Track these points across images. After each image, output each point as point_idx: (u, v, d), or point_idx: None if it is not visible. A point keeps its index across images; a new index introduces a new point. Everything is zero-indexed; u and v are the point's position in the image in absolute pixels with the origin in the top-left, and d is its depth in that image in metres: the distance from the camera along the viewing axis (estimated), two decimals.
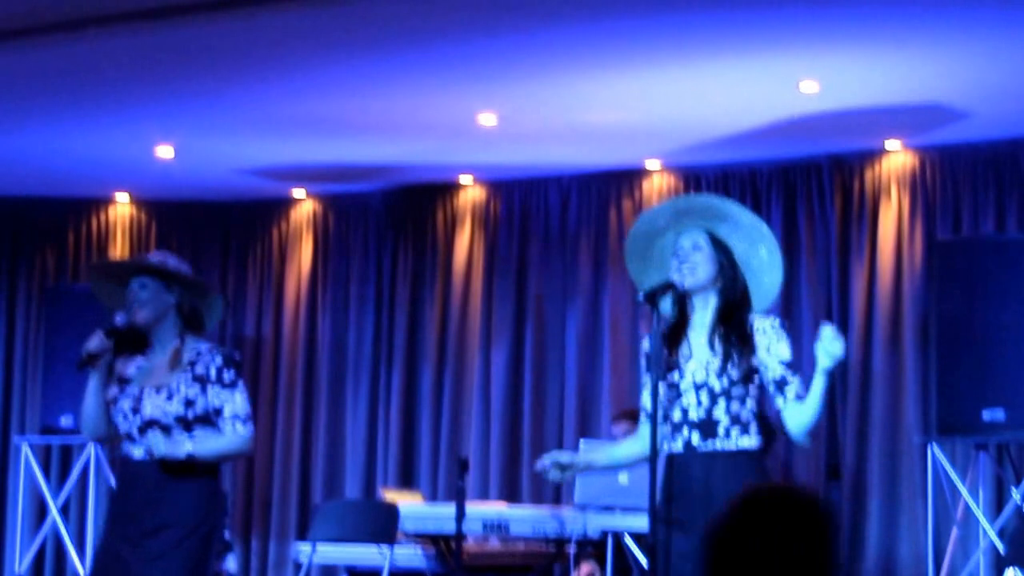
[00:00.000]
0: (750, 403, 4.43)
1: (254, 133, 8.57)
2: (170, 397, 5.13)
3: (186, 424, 5.11)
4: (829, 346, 4.31)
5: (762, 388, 4.47)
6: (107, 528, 5.21)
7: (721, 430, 4.40)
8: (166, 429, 5.11)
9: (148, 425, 5.12)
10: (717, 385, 4.40)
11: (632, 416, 7.58)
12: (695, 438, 4.41)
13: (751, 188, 8.91)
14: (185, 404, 5.12)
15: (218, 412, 5.12)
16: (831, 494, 8.55)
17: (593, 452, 4.64)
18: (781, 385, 4.44)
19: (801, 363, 8.45)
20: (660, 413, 4.45)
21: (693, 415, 4.42)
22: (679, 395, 4.43)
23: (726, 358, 4.41)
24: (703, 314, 4.51)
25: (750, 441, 4.42)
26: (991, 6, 6.50)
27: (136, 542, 5.07)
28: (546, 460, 4.60)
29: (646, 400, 4.54)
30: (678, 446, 4.43)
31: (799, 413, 4.42)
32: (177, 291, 5.24)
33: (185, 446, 5.04)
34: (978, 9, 6.52)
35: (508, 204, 9.54)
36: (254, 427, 5.19)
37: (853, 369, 8.48)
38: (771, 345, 4.46)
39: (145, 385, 5.18)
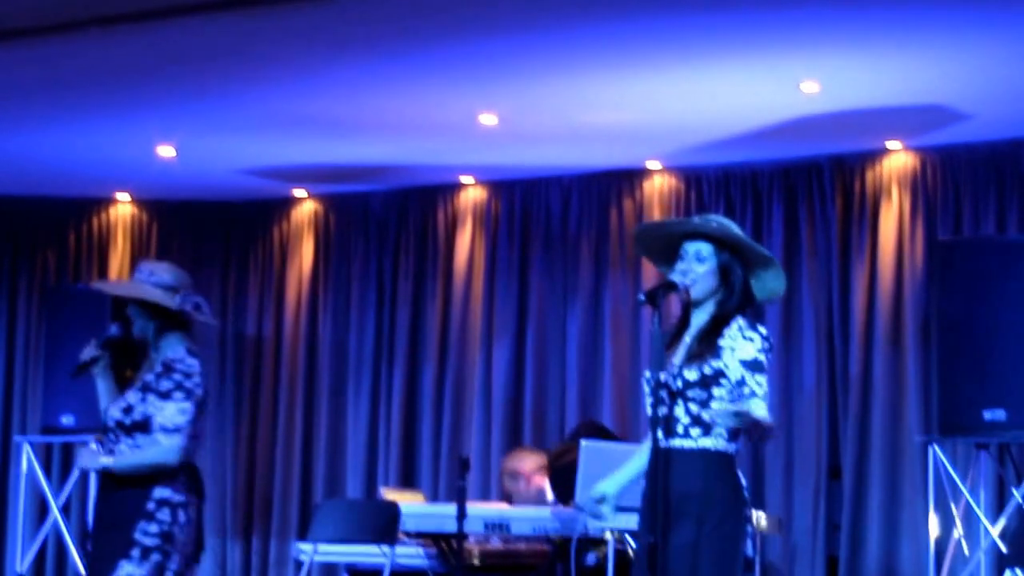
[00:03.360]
0: (717, 405, 4.42)
1: (255, 133, 8.57)
2: (119, 403, 5.34)
3: (126, 430, 5.28)
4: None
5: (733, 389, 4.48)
6: None
7: (680, 428, 4.43)
8: (114, 434, 5.30)
9: (110, 430, 5.34)
10: (672, 385, 4.42)
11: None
12: (659, 435, 4.44)
13: (752, 189, 8.91)
14: (123, 411, 5.30)
15: (151, 420, 5.28)
16: (832, 494, 8.55)
17: (617, 473, 4.68)
18: (739, 385, 4.45)
19: (802, 362, 8.55)
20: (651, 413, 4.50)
21: (658, 413, 4.45)
22: (650, 394, 4.49)
23: (686, 360, 4.45)
24: (700, 319, 4.55)
25: (714, 442, 4.44)
26: (992, 7, 6.50)
27: (93, 539, 5.35)
28: (587, 509, 4.62)
29: None
30: (650, 444, 4.49)
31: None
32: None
33: (100, 459, 5.26)
34: (979, 10, 6.52)
35: (509, 204, 9.54)
36: (184, 438, 5.26)
37: (854, 369, 8.48)
38: (735, 346, 4.46)
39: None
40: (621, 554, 6.72)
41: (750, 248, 4.53)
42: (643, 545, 4.43)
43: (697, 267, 4.50)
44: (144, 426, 5.25)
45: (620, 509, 4.71)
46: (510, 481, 7.78)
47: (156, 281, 5.37)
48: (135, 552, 5.19)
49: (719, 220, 4.59)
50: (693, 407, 4.43)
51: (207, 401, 5.42)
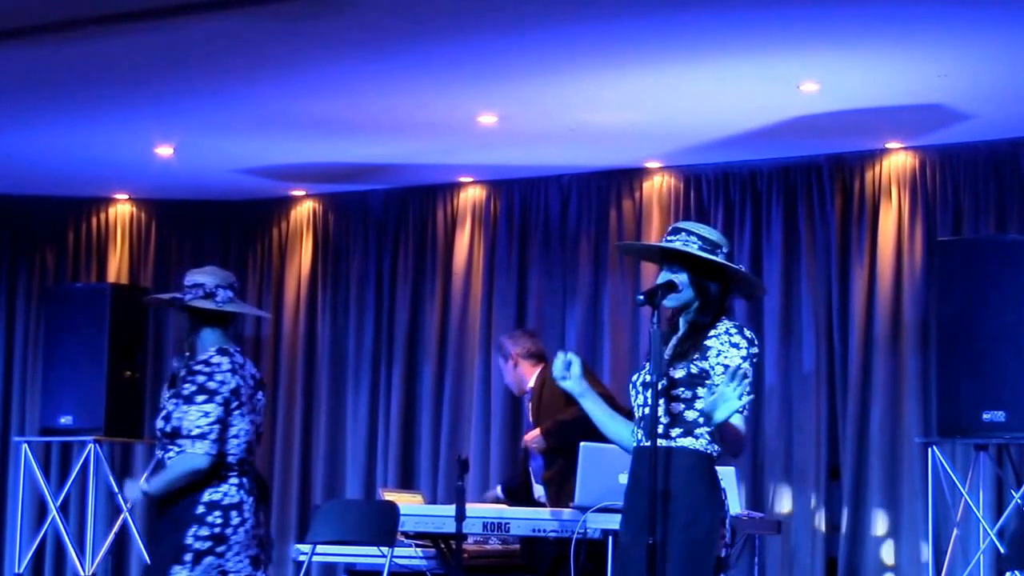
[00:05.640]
0: (700, 404, 4.40)
1: (254, 132, 8.57)
2: (161, 410, 5.26)
3: (168, 438, 5.19)
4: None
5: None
6: None
7: (660, 428, 4.41)
8: (161, 443, 5.25)
9: (159, 439, 5.30)
10: (658, 384, 4.41)
11: None
12: (640, 434, 4.48)
13: (751, 188, 8.90)
14: (163, 418, 5.21)
15: (180, 427, 5.18)
16: (831, 495, 8.54)
17: (600, 406, 4.66)
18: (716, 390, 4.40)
19: (802, 363, 8.54)
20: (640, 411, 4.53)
21: (638, 413, 4.50)
22: (638, 393, 4.53)
23: (672, 359, 4.46)
24: (684, 324, 4.59)
25: (694, 442, 4.42)
26: (992, 6, 6.49)
27: (148, 552, 5.37)
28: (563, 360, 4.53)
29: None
30: (633, 442, 4.56)
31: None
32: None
33: (140, 486, 5.21)
34: (978, 9, 6.51)
35: (508, 204, 9.54)
36: (212, 442, 5.11)
37: (853, 370, 8.47)
38: (721, 349, 4.46)
39: None
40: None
41: (704, 262, 4.50)
42: (628, 544, 4.45)
43: (673, 279, 4.53)
44: (178, 433, 5.14)
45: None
46: (499, 355, 7.82)
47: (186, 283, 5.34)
48: (187, 556, 5.08)
49: (688, 228, 4.53)
50: (676, 406, 4.42)
51: (241, 394, 5.20)
